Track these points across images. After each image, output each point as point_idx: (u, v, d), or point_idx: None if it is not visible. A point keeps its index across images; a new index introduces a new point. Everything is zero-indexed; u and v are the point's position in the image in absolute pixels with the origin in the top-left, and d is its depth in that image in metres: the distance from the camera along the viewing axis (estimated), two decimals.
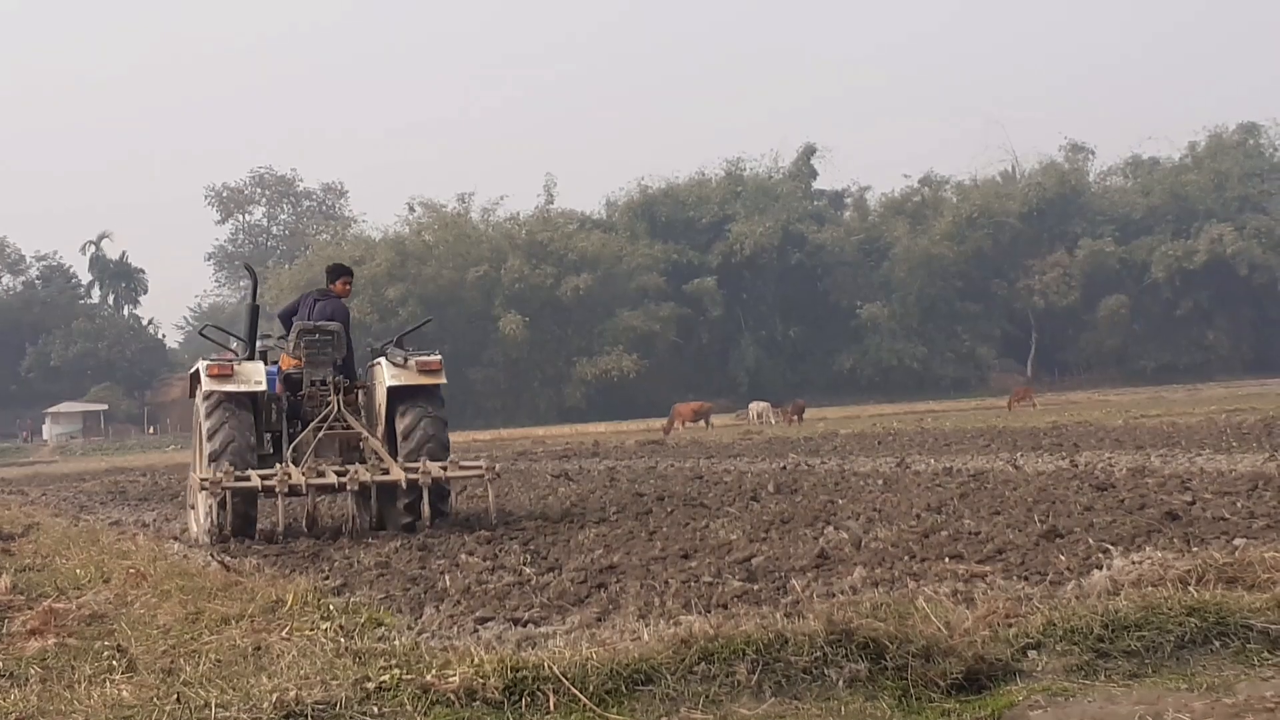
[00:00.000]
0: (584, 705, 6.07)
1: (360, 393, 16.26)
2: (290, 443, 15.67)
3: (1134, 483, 15.40)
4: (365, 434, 15.63)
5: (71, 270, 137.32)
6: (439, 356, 15.76)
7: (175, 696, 6.24)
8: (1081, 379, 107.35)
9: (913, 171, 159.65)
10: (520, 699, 6.12)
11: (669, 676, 6.27)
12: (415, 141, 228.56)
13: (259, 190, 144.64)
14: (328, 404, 15.75)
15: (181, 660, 7.39)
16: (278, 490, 14.30)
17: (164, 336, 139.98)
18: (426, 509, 14.72)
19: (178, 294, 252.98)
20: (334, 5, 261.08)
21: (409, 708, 6.01)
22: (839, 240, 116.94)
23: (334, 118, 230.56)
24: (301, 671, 6.57)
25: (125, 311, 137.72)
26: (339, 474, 14.75)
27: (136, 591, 10.34)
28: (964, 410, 64.18)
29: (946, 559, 9.88)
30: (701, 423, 64.03)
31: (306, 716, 5.92)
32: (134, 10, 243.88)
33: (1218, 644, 6.59)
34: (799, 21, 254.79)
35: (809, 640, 6.43)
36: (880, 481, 18.35)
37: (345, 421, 15.78)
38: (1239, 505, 12.35)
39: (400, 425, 15.53)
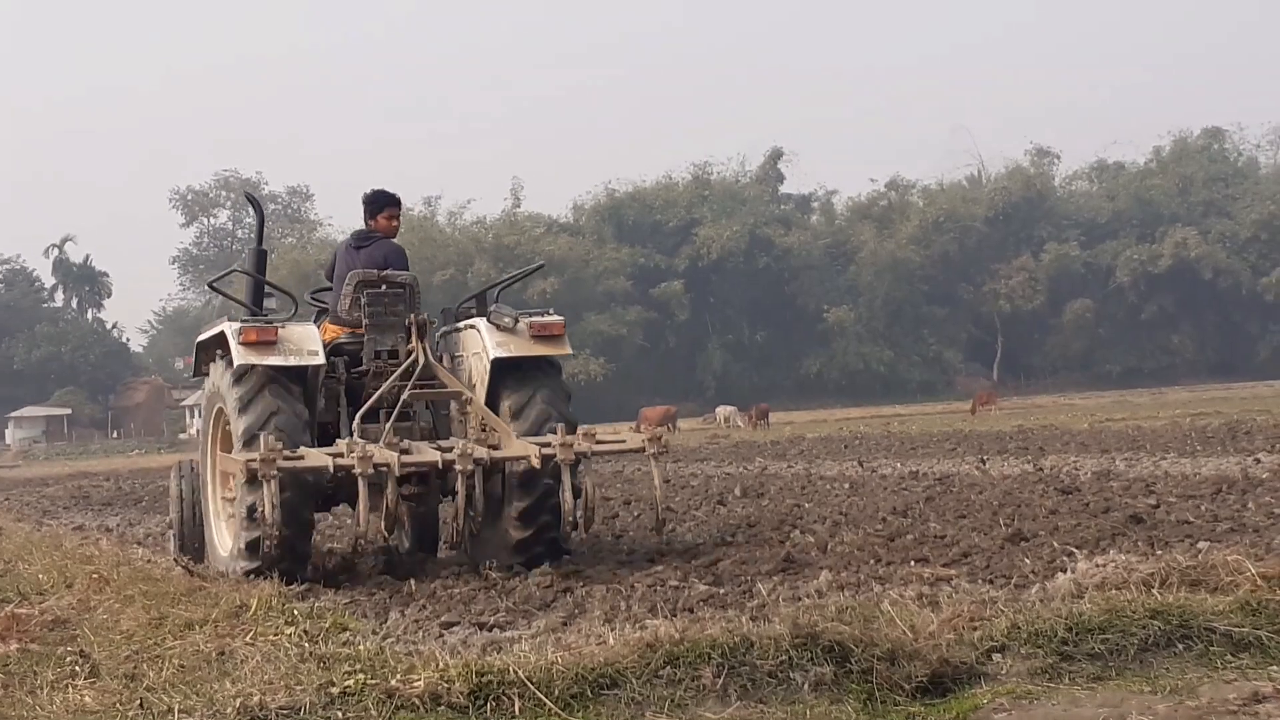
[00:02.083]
0: (549, 710, 6.07)
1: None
2: (349, 434, 11.19)
3: (1099, 486, 15.47)
4: (468, 395, 11.42)
5: (35, 274, 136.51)
6: (561, 318, 11.74)
7: (138, 702, 6.23)
8: (1047, 383, 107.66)
9: (879, 175, 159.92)
10: (485, 704, 6.12)
11: (634, 681, 6.27)
12: (382, 146, 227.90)
13: (224, 194, 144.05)
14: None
15: (145, 666, 7.36)
16: (358, 473, 10.09)
17: (128, 340, 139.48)
18: (570, 501, 10.62)
19: (142, 298, 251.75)
20: (301, 16, 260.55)
21: (373, 713, 6.00)
22: (806, 244, 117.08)
23: (301, 123, 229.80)
24: (265, 677, 6.55)
25: (89, 315, 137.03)
26: (441, 449, 10.73)
27: (99, 597, 10.29)
28: (930, 414, 64.30)
29: (912, 562, 9.91)
30: (668, 426, 64.05)
31: None
32: (101, 22, 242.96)
33: (1181, 647, 6.63)
34: (766, 26, 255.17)
35: (774, 644, 6.44)
36: (846, 485, 18.40)
37: (438, 378, 11.56)
38: (1203, 509, 12.42)
39: (506, 404, 11.39)
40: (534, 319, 11.51)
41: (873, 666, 6.33)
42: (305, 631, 8.02)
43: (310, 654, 7.12)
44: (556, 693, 6.17)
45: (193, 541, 12.40)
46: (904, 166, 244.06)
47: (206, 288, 14.99)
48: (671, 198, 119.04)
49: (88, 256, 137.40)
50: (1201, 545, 9.35)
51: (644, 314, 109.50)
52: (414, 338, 11.46)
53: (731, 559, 10.64)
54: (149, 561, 12.84)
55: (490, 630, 8.11)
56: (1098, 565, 8.10)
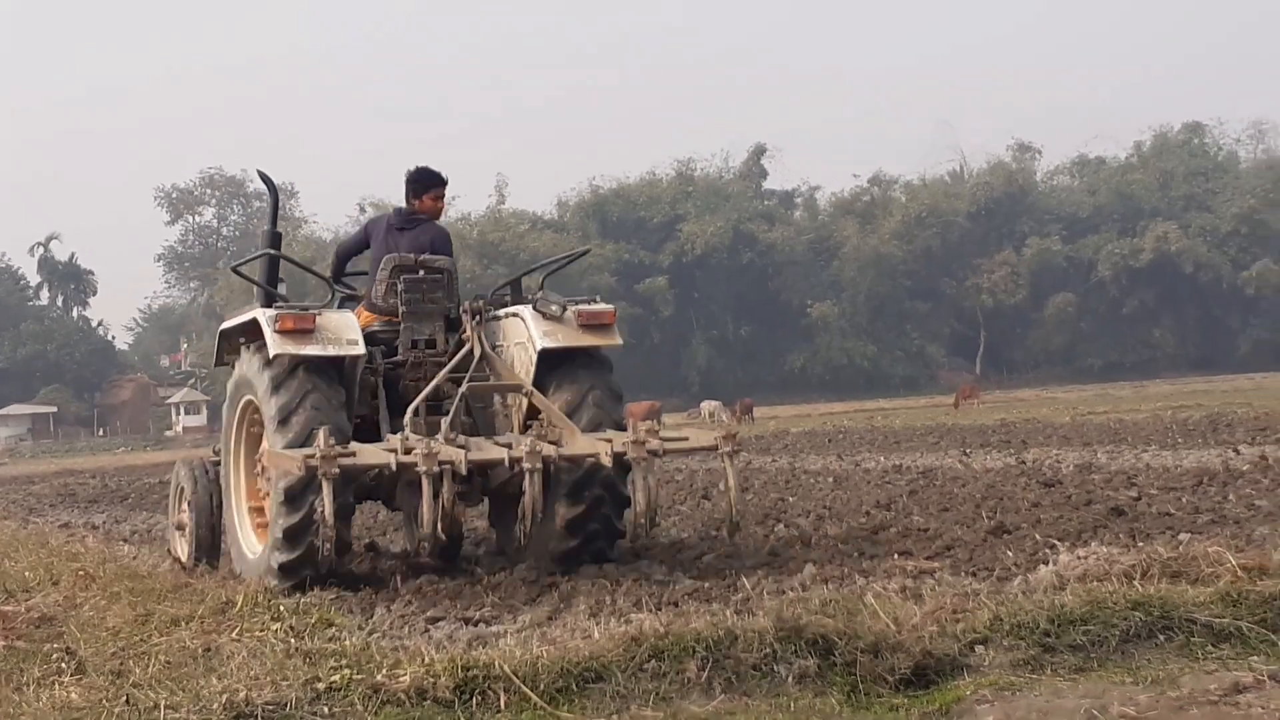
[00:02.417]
0: (534, 704, 6.09)
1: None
2: (389, 430, 10.53)
3: (1081, 479, 15.52)
4: (528, 387, 10.43)
5: (20, 272, 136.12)
6: (611, 306, 11.03)
7: (124, 698, 6.23)
8: (1029, 376, 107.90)
9: (862, 171, 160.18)
10: (471, 698, 6.13)
11: (619, 674, 6.30)
12: (364, 141, 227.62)
13: (209, 191, 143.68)
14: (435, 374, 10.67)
15: (131, 662, 7.35)
16: (422, 471, 9.13)
17: (113, 338, 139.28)
18: (642, 503, 9.69)
19: (128, 295, 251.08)
20: (283, 10, 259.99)
21: (359, 708, 6.02)
22: (789, 240, 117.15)
23: (284, 120, 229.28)
24: (251, 672, 6.56)
25: (74, 313, 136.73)
26: (502, 444, 9.85)
27: (85, 594, 10.28)
28: (913, 408, 64.39)
29: (895, 555, 9.94)
30: (653, 422, 63.94)
31: (256, 717, 5.92)
32: (85, 20, 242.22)
33: (1162, 638, 6.67)
34: (749, 25, 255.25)
35: (759, 637, 6.47)
36: (830, 479, 18.44)
37: (494, 369, 10.63)
38: (1184, 501, 12.47)
39: (555, 403, 10.46)
40: (582, 307, 10.74)
41: (856, 659, 6.35)
42: (291, 627, 8.04)
43: (296, 649, 7.12)
44: (542, 687, 6.19)
45: (211, 544, 11.63)
46: (887, 162, 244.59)
47: (230, 271, 12.91)
48: (655, 194, 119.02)
49: (73, 255, 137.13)
50: (1183, 537, 9.39)
51: (628, 310, 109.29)
52: (468, 326, 10.64)
53: (716, 553, 10.67)
54: (135, 558, 12.85)
55: (476, 625, 8.12)
56: (1079, 557, 8.14)
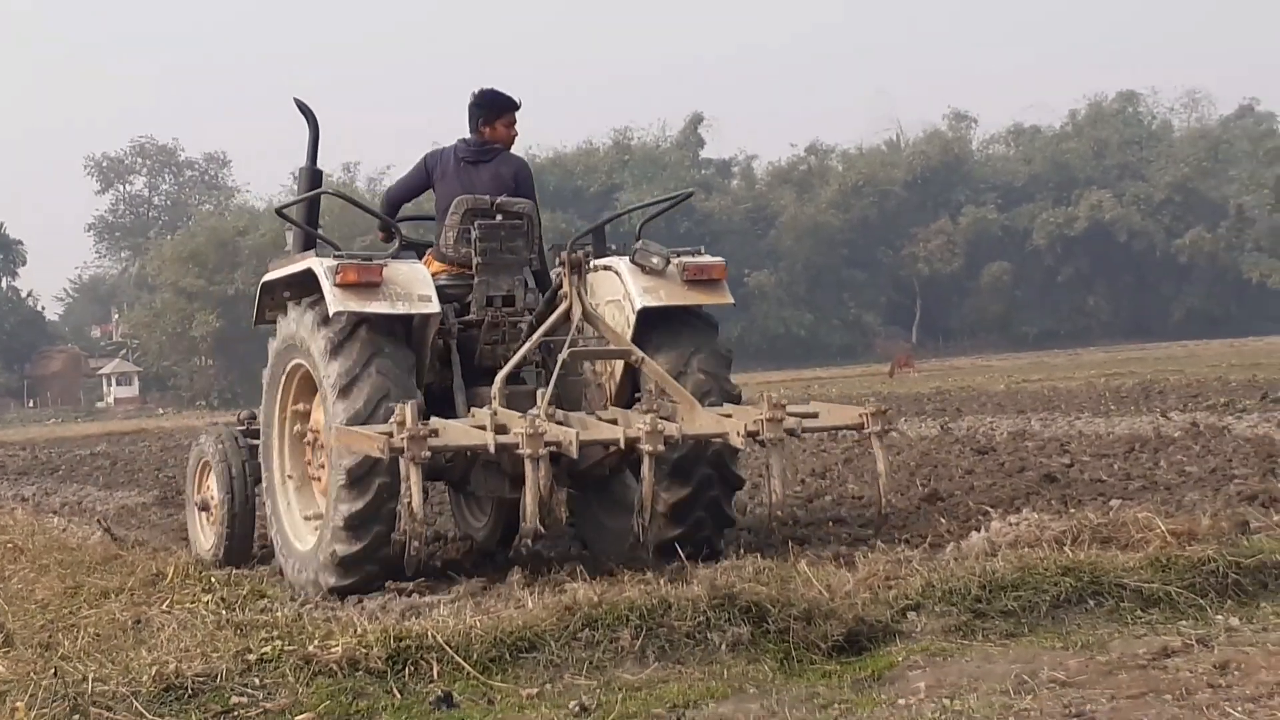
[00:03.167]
0: (467, 673, 6.08)
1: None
2: (465, 401, 9.20)
3: (1014, 447, 15.65)
4: (638, 354, 8.91)
5: None
6: (720, 260, 9.63)
7: (53, 671, 6.16)
8: (965, 345, 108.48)
9: (799, 140, 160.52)
10: (404, 668, 6.10)
11: (553, 643, 6.29)
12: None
13: (140, 160, 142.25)
14: (519, 337, 9.31)
15: (60, 635, 7.31)
16: (525, 453, 7.80)
17: (43, 309, 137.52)
18: (779, 490, 8.50)
19: (57, 265, 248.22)
20: None
21: (291, 679, 5.97)
22: (726, 209, 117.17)
23: (215, 86, 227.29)
24: (182, 644, 6.52)
25: (3, 283, 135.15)
26: (607, 420, 8.68)
27: (14, 566, 10.22)
28: (850, 377, 64.58)
29: (830, 523, 9.98)
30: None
31: (186, 689, 5.86)
32: None
33: (1092, 603, 6.72)
34: None
35: (692, 605, 6.47)
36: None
37: (598, 331, 9.16)
38: (1116, 467, 12.60)
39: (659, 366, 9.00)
40: (687, 259, 9.42)
41: (789, 626, 6.37)
42: (222, 599, 8.01)
43: (227, 621, 7.10)
44: (475, 656, 6.18)
45: (245, 531, 10.43)
46: (823, 131, 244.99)
47: (275, 213, 10.51)
48: (592, 163, 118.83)
49: (1, 224, 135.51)
50: (1113, 503, 9.48)
51: None
52: (566, 280, 9.05)
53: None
54: (64, 531, 12.75)
55: (409, 596, 8.11)
56: (1011, 524, 8.21)
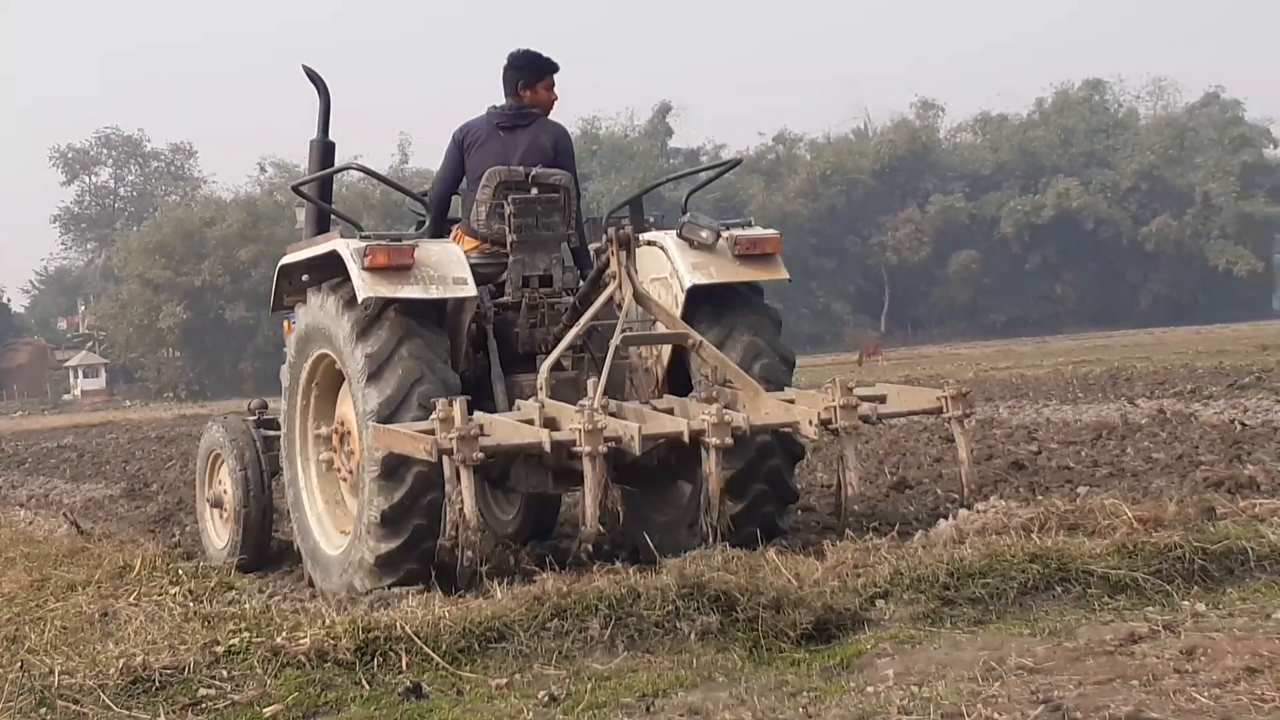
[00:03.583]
0: (436, 664, 6.07)
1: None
2: (505, 391, 8.66)
3: (982, 434, 15.67)
4: (695, 337, 8.36)
5: None
6: (775, 232, 9.27)
7: (19, 664, 6.15)
8: (933, 333, 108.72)
9: (767, 129, 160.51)
10: (372, 659, 6.09)
11: (522, 633, 6.28)
12: (264, 99, 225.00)
13: (105, 151, 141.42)
14: (559, 320, 8.73)
15: (26, 628, 7.28)
16: (584, 450, 7.36)
17: (9, 301, 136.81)
18: (855, 483, 8.15)
19: (23, 257, 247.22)
20: None
21: (259, 670, 5.96)
22: (695, 198, 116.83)
23: (183, 76, 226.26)
24: (149, 637, 6.49)
25: None
26: (663, 409, 8.17)
27: None
28: (819, 366, 64.53)
29: (798, 512, 9.98)
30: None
31: (154, 681, 5.84)
32: None
33: (1059, 589, 6.74)
34: None
35: (661, 594, 6.47)
36: None
37: (649, 314, 8.58)
38: (1083, 454, 12.65)
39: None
40: (737, 232, 8.88)
41: (758, 615, 6.37)
42: (190, 591, 7.98)
43: (195, 613, 7.07)
44: (444, 647, 6.17)
45: (261, 527, 9.99)
46: (791, 120, 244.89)
47: (290, 190, 11.05)
48: None
49: None
50: (1081, 490, 9.53)
51: None
52: (613, 259, 8.35)
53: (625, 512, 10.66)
54: (31, 524, 12.69)
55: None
56: (979, 511, 8.21)
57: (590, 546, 7.52)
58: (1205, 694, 5.01)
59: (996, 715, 4.96)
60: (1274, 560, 7.00)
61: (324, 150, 9.70)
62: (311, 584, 8.75)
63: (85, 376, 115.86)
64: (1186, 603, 6.53)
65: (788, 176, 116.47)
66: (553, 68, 9.38)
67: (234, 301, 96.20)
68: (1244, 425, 14.17)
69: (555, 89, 9.44)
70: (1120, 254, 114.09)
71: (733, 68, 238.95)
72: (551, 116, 9.43)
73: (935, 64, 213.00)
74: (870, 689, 5.47)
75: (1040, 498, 9.08)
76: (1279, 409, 15.83)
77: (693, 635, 6.31)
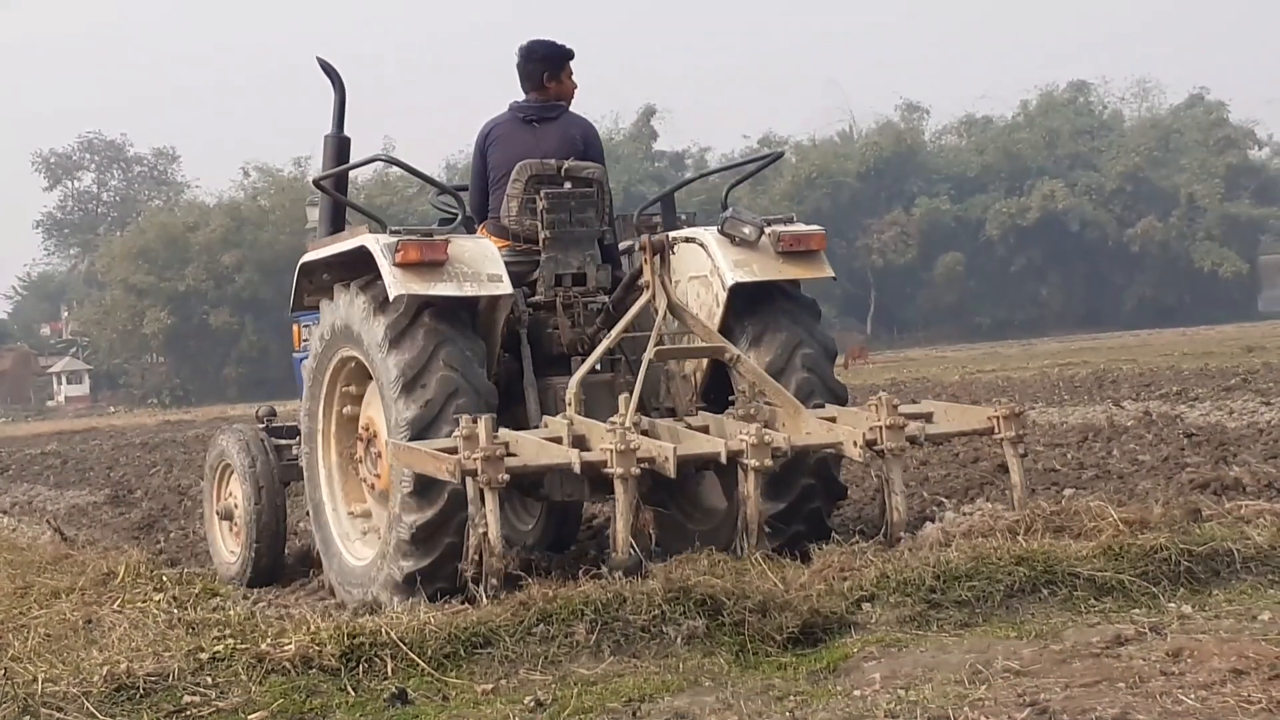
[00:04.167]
0: (422, 670, 6.05)
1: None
2: (536, 398, 8.33)
3: (968, 437, 15.63)
4: (734, 351, 8.07)
5: None
6: (820, 229, 8.87)
7: (2, 672, 6.11)
8: (920, 336, 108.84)
9: (752, 132, 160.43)
10: (357, 665, 6.07)
11: (507, 639, 6.26)
12: (247, 104, 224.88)
13: (88, 156, 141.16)
14: (593, 321, 8.46)
15: (9, 635, 7.23)
16: (617, 473, 7.07)
17: None
18: (902, 508, 7.90)
19: (5, 263, 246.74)
20: None
21: (244, 677, 5.94)
22: (680, 202, 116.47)
23: (163, 80, 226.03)
24: (133, 644, 6.47)
25: None
26: (699, 427, 7.96)
27: None
28: None
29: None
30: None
31: (138, 689, 5.82)
32: None
33: (1046, 592, 6.73)
34: None
35: (647, 599, 6.46)
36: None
37: (686, 325, 8.23)
38: (1069, 456, 12.66)
39: (753, 359, 8.18)
40: (780, 228, 8.47)
41: (745, 619, 6.36)
42: (174, 598, 7.94)
43: (179, 620, 7.05)
44: (430, 653, 6.15)
45: (274, 537, 9.55)
46: (776, 123, 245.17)
47: (312, 184, 9.67)
48: None
49: None
50: (1067, 492, 9.53)
51: None
52: (646, 266, 8.00)
53: (606, 516, 10.65)
54: (14, 531, 12.65)
55: None
56: (964, 514, 8.21)
57: (620, 573, 7.03)
58: (1191, 696, 5.02)
59: (983, 718, 4.97)
60: (1260, 562, 7.01)
61: (339, 145, 9.44)
62: (332, 593, 8.50)
63: (69, 383, 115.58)
64: (1173, 605, 6.54)
65: (773, 179, 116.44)
66: (571, 54, 9.17)
67: (218, 307, 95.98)
68: (1230, 427, 14.17)
69: (573, 78, 9.25)
70: (1106, 256, 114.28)
71: (717, 71, 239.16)
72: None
73: (920, 66, 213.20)
74: (857, 692, 5.46)
75: (1026, 500, 9.06)
76: (1265, 410, 15.85)
77: (679, 640, 6.30)
